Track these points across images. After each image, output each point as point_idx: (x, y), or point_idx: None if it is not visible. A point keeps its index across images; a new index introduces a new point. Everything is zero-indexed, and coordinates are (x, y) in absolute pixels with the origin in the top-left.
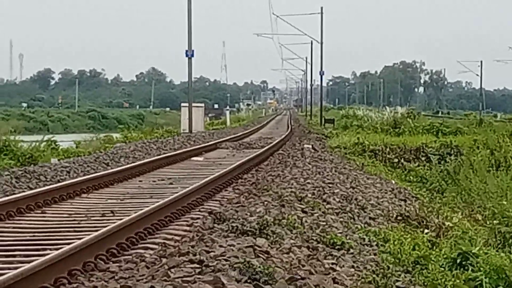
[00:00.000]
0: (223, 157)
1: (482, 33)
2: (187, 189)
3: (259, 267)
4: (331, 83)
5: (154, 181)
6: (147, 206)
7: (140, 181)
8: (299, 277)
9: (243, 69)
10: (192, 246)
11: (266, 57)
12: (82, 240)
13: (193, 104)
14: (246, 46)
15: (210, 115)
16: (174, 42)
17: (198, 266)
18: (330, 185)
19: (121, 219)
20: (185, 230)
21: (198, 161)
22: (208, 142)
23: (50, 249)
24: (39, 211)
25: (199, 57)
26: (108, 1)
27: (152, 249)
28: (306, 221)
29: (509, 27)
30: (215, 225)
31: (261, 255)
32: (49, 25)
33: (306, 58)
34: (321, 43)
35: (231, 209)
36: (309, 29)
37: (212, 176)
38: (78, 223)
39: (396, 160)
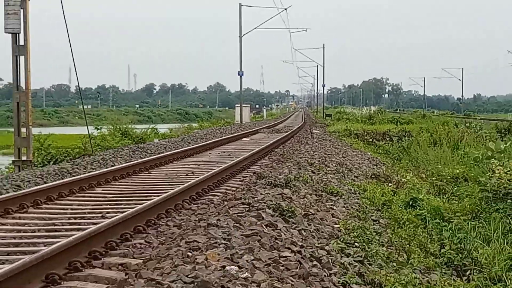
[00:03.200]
0: (262, 138)
1: (425, 54)
2: (239, 158)
3: (285, 207)
4: (329, 91)
5: (219, 153)
6: (215, 169)
7: (210, 153)
8: (310, 213)
9: (275, 82)
10: (243, 194)
11: (288, 75)
12: (173, 190)
13: (243, 105)
14: (277, 68)
15: (253, 111)
16: (232, 63)
17: (247, 206)
18: (330, 156)
19: (198, 177)
20: (238, 184)
21: (246, 141)
22: (252, 129)
23: (153, 196)
24: (147, 172)
25: (247, 74)
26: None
27: (218, 196)
28: (314, 178)
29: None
30: (257, 180)
31: (286, 200)
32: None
33: (314, 75)
34: (323, 67)
35: (267, 170)
36: (315, 56)
37: (255, 150)
38: (171, 180)
39: (370, 140)
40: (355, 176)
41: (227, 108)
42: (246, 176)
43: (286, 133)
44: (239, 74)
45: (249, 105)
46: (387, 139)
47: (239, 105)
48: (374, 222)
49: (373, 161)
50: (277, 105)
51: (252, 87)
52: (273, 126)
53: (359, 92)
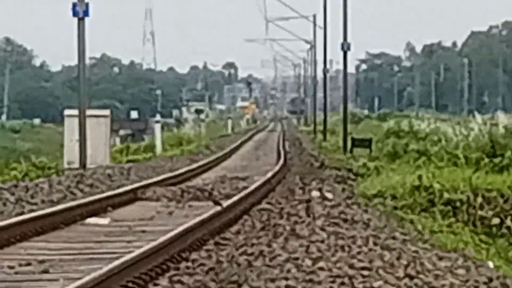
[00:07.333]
0: (150, 217)
1: None
2: (80, 282)
3: None
4: (364, 66)
5: (12, 268)
6: None
7: None
8: None
9: (188, 41)
10: None
11: (233, 18)
12: None
13: (89, 112)
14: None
15: (122, 132)
16: None
17: None
18: (365, 273)
19: None
20: None
21: (100, 226)
22: (119, 187)
23: None
24: None
25: (99, 19)
26: None
27: None
28: None
29: None
30: None
31: None
32: None
33: (314, 17)
34: None
35: None
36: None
37: (128, 257)
38: None
39: (496, 220)
40: None
41: (38, 119)
42: None
43: (227, 202)
44: (75, 14)
45: (109, 113)
46: None
47: (75, 111)
48: None
49: None
50: (199, 112)
51: (120, 55)
52: (186, 179)
53: (457, 68)
